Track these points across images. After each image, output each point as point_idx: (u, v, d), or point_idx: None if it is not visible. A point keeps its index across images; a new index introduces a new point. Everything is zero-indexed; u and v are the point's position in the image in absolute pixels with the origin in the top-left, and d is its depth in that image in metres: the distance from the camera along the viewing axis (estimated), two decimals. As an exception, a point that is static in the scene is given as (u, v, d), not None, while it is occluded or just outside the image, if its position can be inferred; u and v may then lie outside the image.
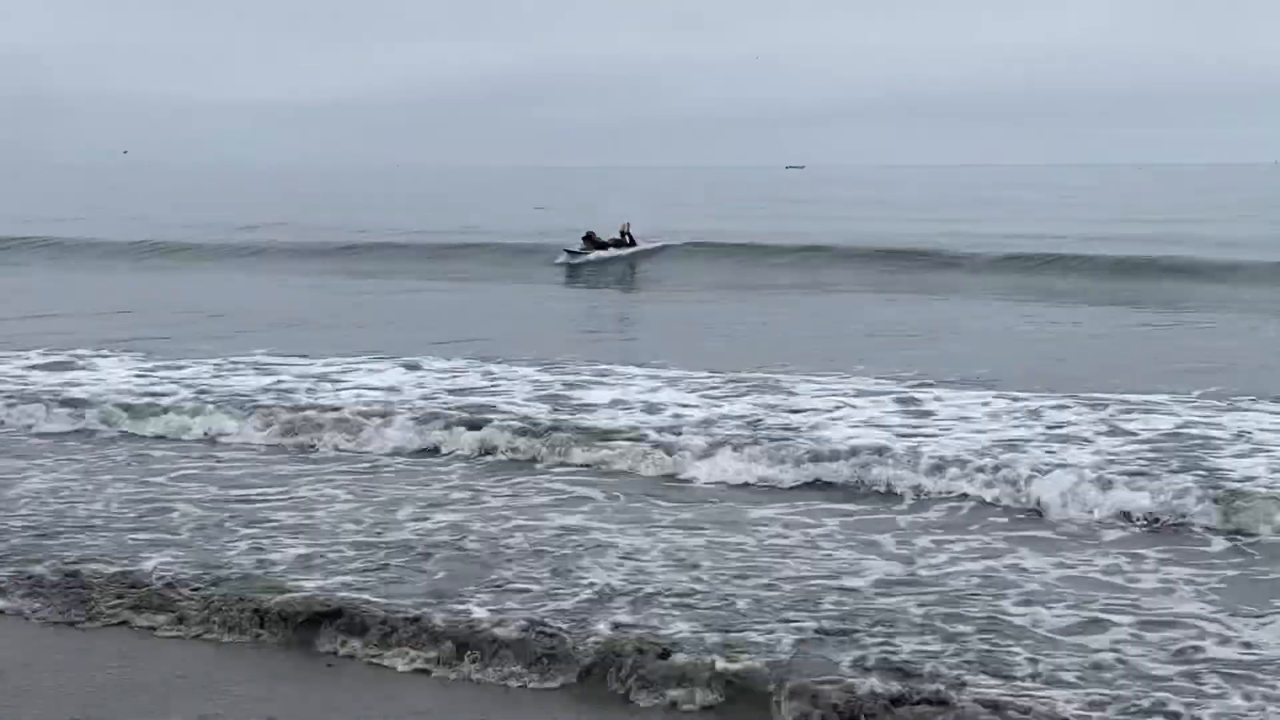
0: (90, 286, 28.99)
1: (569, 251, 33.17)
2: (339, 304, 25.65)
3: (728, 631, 7.09)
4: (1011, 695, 6.20)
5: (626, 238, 33.80)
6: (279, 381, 15.05)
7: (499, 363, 16.10)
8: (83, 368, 15.99)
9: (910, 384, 14.37)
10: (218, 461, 11.52)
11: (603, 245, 33.25)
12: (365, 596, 7.60)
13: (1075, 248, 32.74)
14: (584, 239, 33.49)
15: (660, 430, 11.92)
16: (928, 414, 12.81)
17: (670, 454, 11.11)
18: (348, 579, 8.01)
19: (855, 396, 13.69)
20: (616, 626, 7.16)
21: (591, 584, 7.93)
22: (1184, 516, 9.28)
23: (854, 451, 10.87)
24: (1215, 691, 6.33)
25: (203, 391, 14.21)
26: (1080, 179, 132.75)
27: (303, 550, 8.66)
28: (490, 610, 7.39)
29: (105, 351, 17.12)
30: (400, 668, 6.82)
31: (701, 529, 9.23)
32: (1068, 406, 12.93)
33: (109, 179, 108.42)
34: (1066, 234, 38.43)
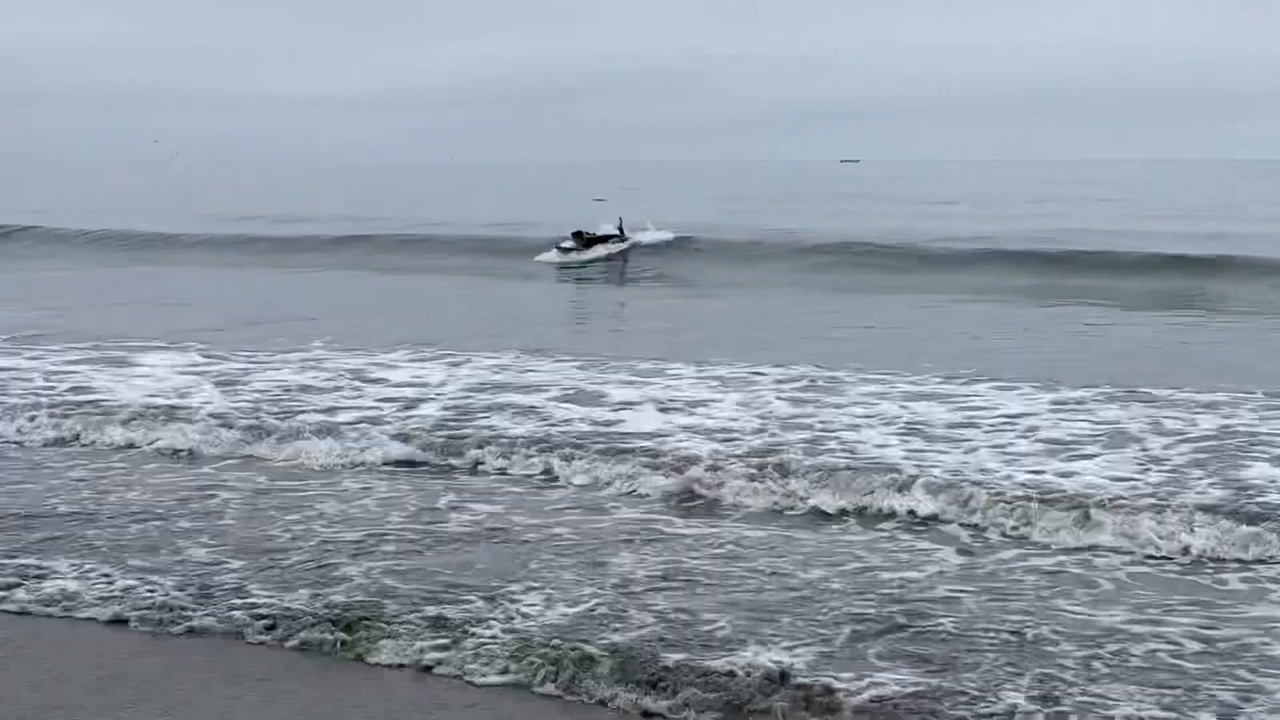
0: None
1: (560, 249, 32.93)
2: (409, 297, 25.99)
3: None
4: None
5: (619, 233, 33.66)
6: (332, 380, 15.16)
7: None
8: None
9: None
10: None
11: (592, 242, 33.01)
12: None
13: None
14: (573, 236, 33.31)
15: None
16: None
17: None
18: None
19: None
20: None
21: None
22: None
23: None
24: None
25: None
26: (1157, 173, 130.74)
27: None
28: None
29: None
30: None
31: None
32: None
33: (171, 174, 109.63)
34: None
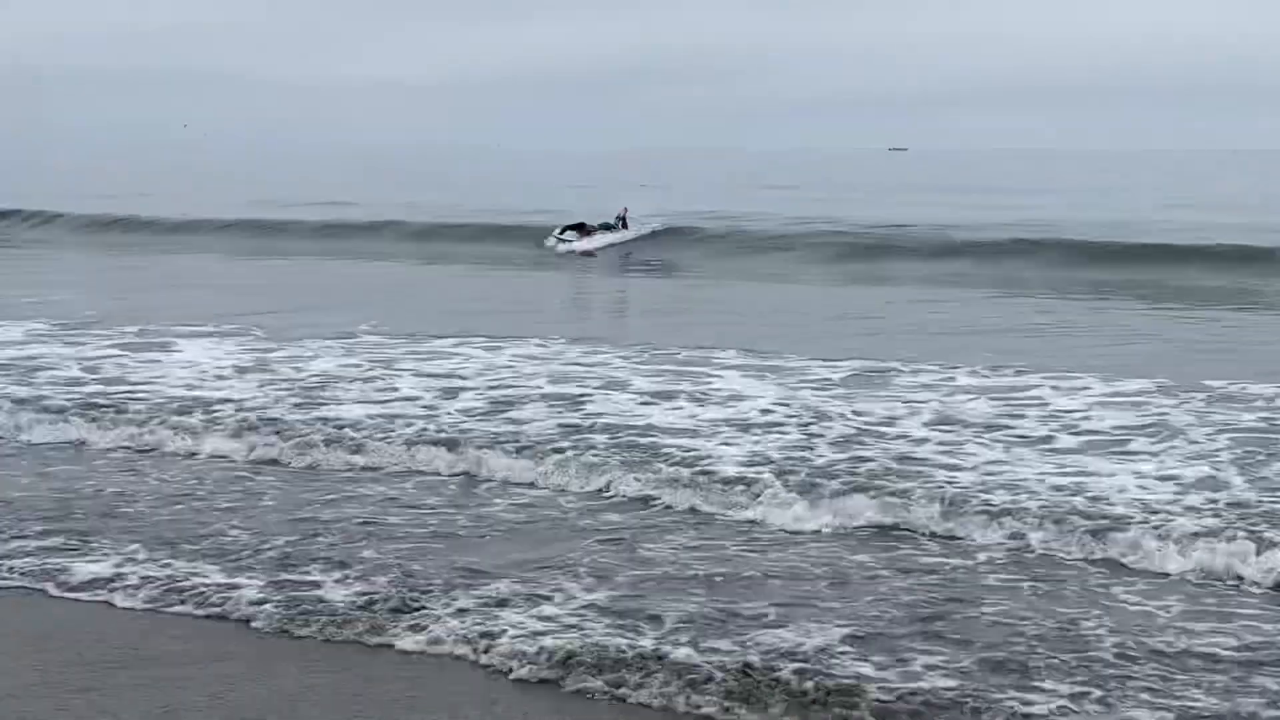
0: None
1: (560, 239, 32.81)
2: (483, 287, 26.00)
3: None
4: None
5: (621, 222, 33.63)
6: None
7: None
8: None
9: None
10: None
11: (592, 232, 32.95)
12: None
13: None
14: (574, 228, 33.25)
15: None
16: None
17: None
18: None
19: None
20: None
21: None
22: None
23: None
24: None
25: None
26: (1215, 163, 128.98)
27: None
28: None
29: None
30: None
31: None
32: None
33: (204, 157, 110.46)
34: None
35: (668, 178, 78.30)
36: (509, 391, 13.29)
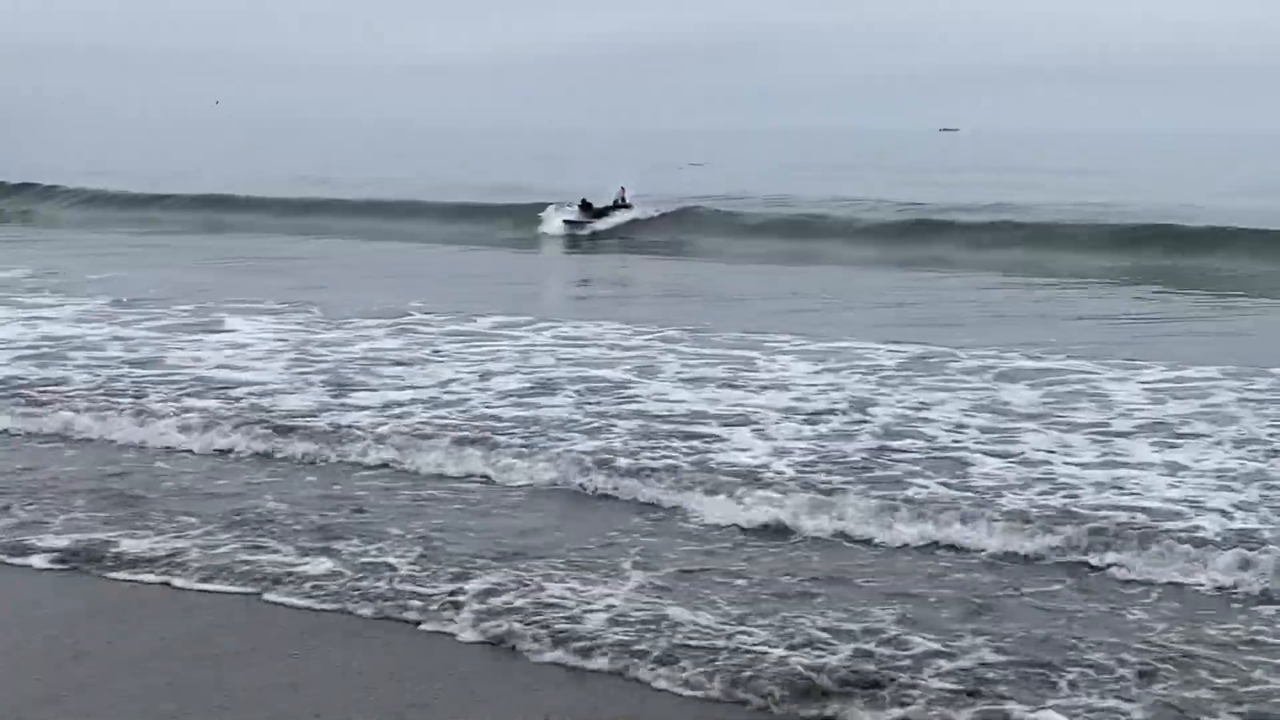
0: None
1: (567, 222, 32.71)
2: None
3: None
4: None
5: (621, 202, 33.54)
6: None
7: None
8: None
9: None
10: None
11: (601, 213, 32.97)
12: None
13: None
14: (580, 207, 33.26)
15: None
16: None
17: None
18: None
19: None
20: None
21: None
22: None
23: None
24: None
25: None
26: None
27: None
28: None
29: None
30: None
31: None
32: None
33: (237, 135, 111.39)
34: None
35: (716, 157, 78.24)
36: (540, 375, 13.45)
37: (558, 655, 6.58)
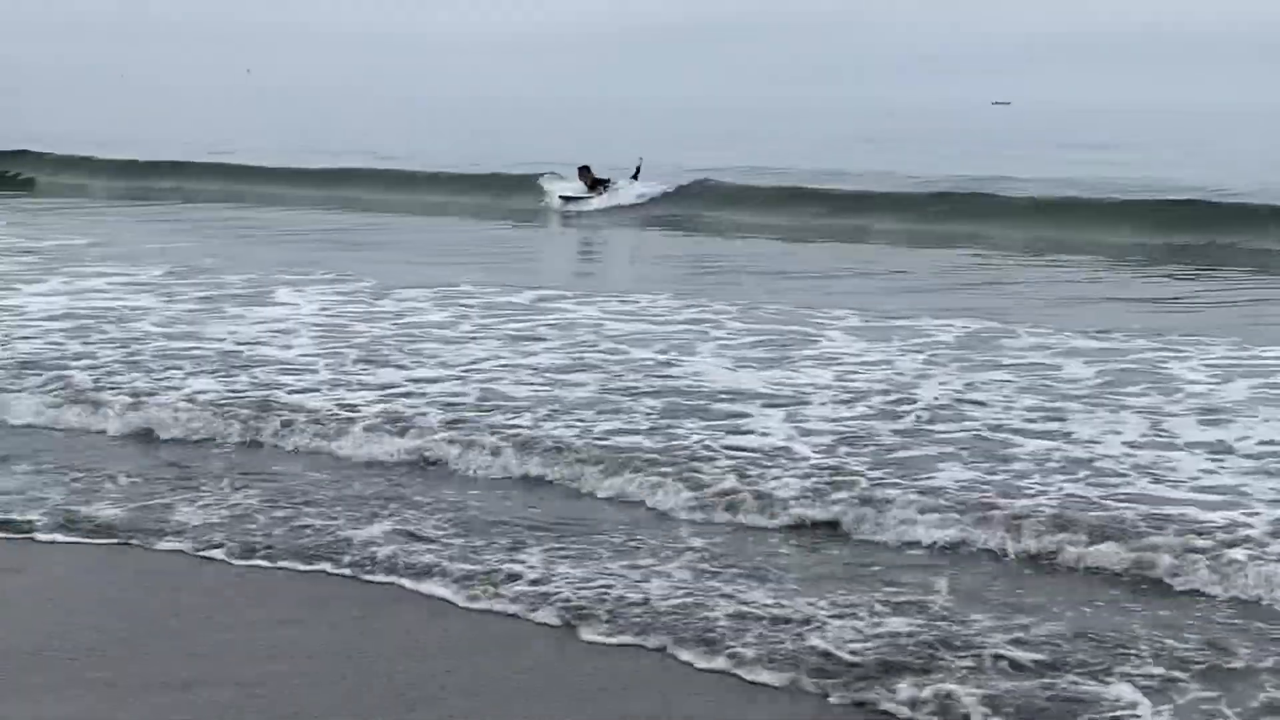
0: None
1: (563, 198, 30.81)
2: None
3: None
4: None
5: (637, 173, 31.06)
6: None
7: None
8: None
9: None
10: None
11: (600, 183, 30.70)
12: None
13: None
14: (580, 173, 31.09)
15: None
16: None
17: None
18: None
19: None
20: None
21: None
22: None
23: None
24: None
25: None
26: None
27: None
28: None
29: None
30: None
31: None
32: None
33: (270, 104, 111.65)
34: None
35: (766, 132, 77.70)
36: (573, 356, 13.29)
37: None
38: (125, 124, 68.60)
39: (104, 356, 12.71)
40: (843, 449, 9.67)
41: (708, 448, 9.66)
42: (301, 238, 25.46)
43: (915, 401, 11.10)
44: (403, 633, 6.57)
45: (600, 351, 13.23)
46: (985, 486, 8.75)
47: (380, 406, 10.76)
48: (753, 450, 9.62)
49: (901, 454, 9.56)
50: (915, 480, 8.86)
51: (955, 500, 8.40)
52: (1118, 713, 5.71)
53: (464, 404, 10.99)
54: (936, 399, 11.17)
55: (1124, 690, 5.88)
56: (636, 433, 10.11)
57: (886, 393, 11.42)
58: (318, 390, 11.44)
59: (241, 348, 13.24)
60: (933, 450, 9.65)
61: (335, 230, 27.15)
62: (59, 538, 7.92)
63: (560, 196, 31.03)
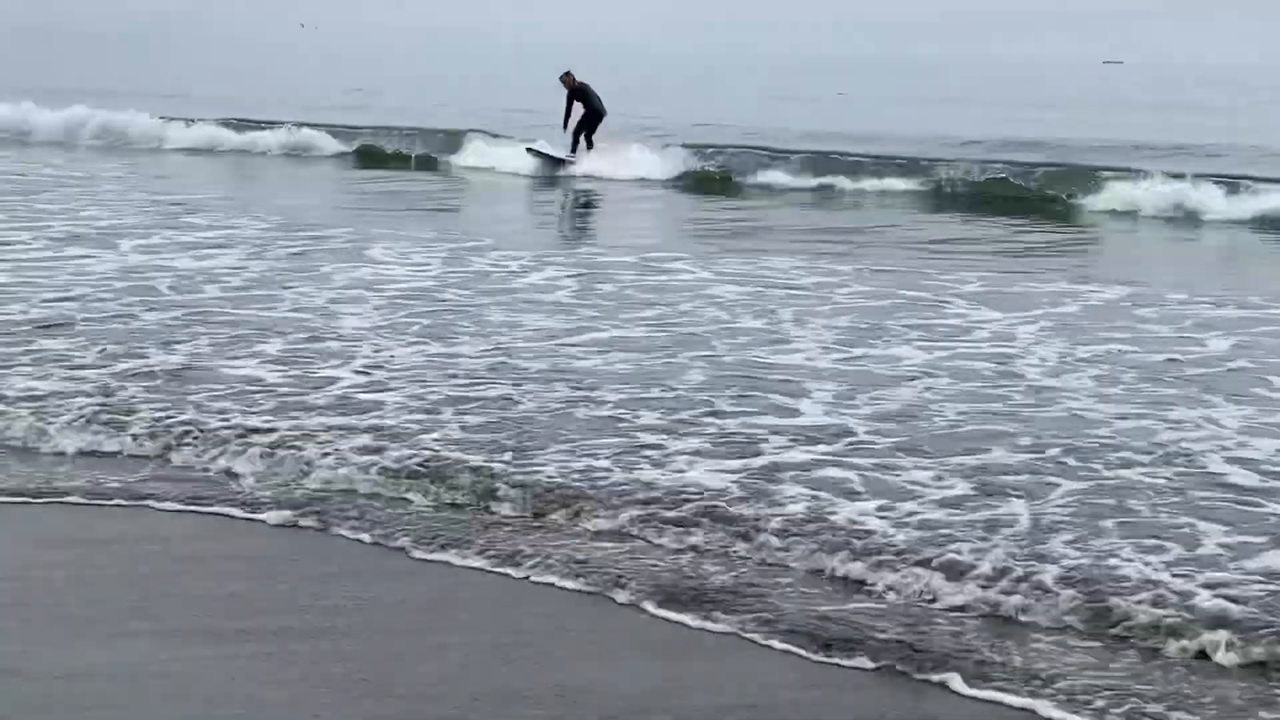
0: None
1: (534, 151, 27.60)
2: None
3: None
4: None
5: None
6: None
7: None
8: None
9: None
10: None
11: (577, 93, 26.53)
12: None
13: None
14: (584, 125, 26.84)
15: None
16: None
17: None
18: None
19: None
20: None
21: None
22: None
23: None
24: None
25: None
26: None
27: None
28: None
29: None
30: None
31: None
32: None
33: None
34: None
35: (864, 86, 76.32)
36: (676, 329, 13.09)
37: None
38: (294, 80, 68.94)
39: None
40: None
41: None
42: (405, 193, 25.37)
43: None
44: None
45: (700, 322, 12.94)
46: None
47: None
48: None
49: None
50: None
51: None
52: None
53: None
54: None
55: None
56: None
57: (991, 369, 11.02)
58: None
59: (306, 315, 13.09)
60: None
61: (444, 186, 26.91)
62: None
63: (530, 150, 27.78)
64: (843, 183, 27.42)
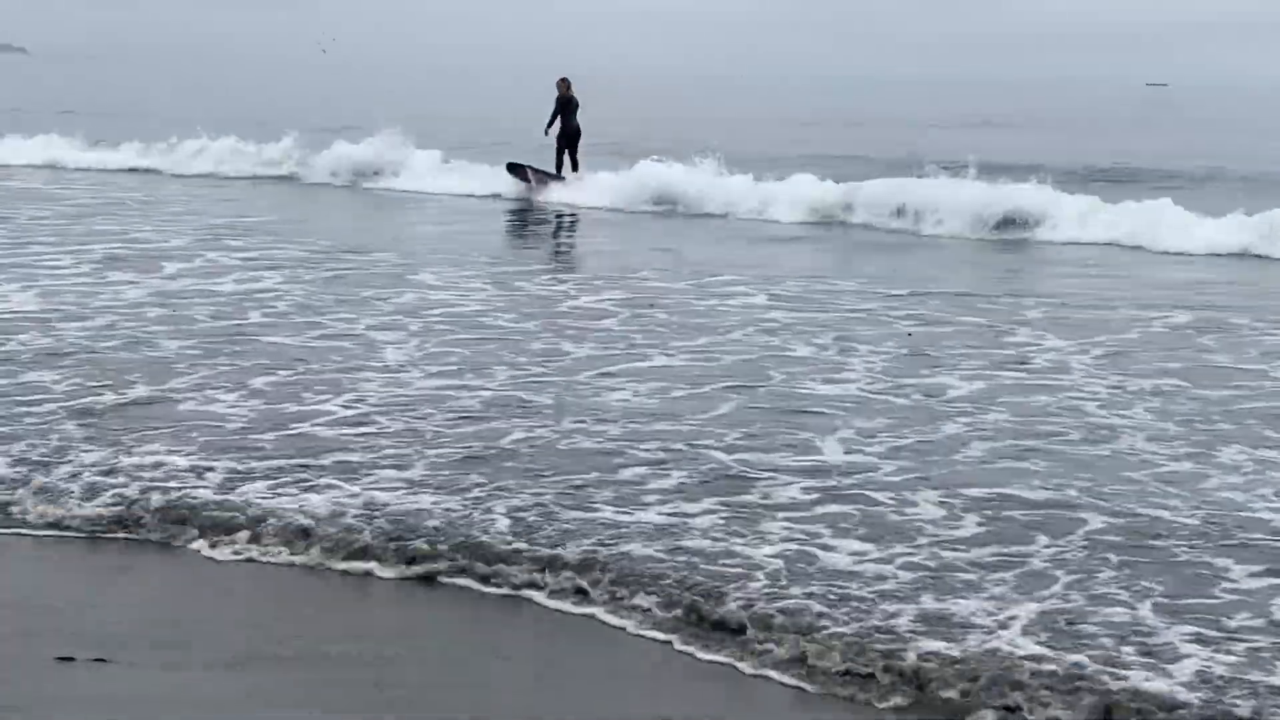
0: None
1: (516, 167, 26.43)
2: None
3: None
4: None
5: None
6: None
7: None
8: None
9: None
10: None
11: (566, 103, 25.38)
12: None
13: None
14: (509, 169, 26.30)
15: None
16: None
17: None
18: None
19: None
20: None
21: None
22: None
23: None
24: None
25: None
26: None
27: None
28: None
29: None
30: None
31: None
32: None
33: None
34: None
35: (896, 111, 75.53)
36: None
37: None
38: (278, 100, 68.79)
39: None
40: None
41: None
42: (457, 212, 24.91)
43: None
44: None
45: (754, 349, 12.39)
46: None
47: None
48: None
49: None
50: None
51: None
52: None
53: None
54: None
55: None
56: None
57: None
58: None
59: (337, 343, 12.62)
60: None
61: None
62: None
63: (511, 166, 26.52)
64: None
